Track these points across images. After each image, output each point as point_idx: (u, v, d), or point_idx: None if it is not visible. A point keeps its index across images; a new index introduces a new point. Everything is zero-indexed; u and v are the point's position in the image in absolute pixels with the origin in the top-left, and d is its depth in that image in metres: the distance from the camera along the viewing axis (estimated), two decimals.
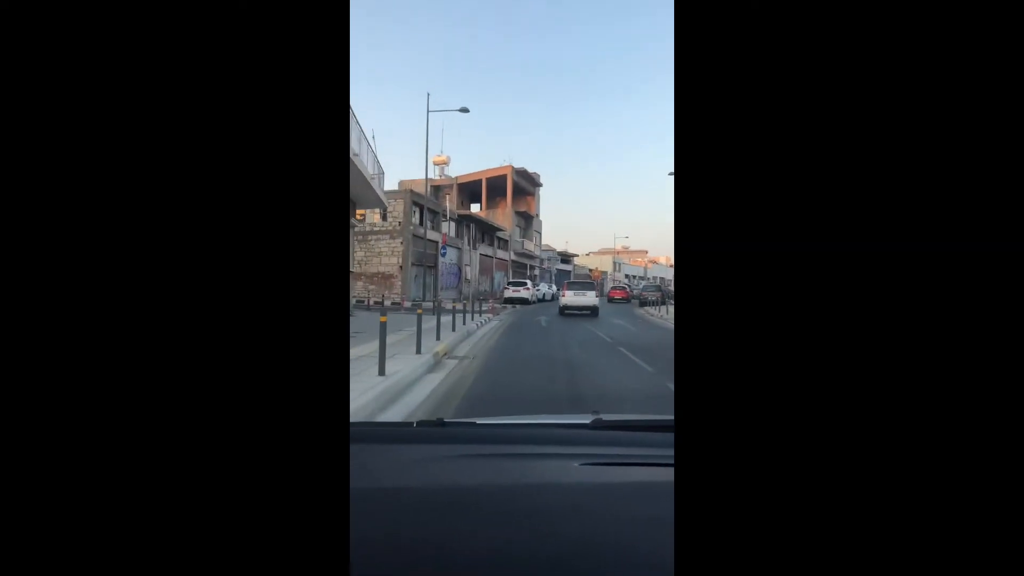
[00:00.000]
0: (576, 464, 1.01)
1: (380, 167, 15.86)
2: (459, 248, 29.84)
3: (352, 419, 1.20)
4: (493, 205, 40.99)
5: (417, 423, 1.34)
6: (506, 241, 38.69)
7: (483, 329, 12.81)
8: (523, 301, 27.33)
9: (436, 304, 12.50)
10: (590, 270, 60.18)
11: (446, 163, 42.66)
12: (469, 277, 30.54)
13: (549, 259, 47.06)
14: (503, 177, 39.18)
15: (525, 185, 42.10)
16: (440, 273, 25.19)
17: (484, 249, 34.19)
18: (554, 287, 39.03)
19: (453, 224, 29.84)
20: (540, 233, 45.71)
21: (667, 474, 0.93)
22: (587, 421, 1.34)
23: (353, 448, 0.95)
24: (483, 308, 17.66)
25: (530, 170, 41.81)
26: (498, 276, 36.54)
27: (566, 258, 55.41)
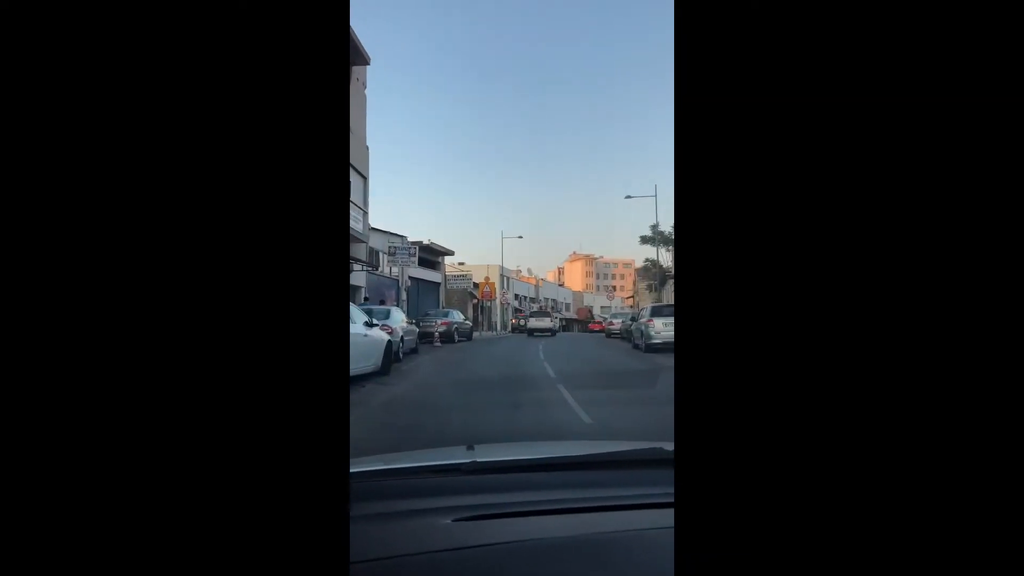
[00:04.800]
0: (448, 521, 0.91)
1: None
2: None
3: None
4: None
5: None
6: None
7: None
8: None
9: None
10: (475, 283, 33.89)
11: None
12: None
13: (398, 252, 19.94)
14: None
15: None
16: None
17: None
18: (402, 316, 12.11)
19: None
20: (366, 179, 18.39)
21: (555, 524, 0.91)
22: (462, 461, 1.21)
23: None
24: None
25: None
26: None
27: (432, 258, 28.67)
